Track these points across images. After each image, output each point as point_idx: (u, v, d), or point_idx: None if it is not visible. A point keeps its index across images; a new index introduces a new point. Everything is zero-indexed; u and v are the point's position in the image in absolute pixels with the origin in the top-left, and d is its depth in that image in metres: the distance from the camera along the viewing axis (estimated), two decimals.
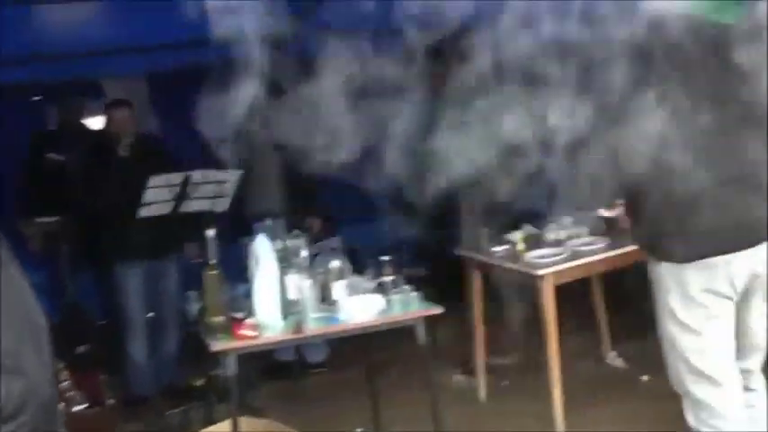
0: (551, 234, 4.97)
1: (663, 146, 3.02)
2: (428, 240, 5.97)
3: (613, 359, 5.71)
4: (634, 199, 3.31)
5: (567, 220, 5.04)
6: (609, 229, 4.86)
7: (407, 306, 4.24)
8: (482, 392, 5.41)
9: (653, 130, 2.99)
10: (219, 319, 4.06)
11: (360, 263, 4.88)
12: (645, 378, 5.27)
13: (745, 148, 3.11)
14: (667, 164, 3.03)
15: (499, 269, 4.86)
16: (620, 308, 5.87)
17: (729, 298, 3.17)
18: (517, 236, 4.94)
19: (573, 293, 4.64)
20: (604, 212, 4.81)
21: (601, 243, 4.64)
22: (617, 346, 5.81)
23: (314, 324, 4.09)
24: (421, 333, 4.22)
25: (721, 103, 3.04)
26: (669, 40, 3.02)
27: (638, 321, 6.21)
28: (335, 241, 6.41)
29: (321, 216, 6.26)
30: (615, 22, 3.01)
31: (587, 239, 4.78)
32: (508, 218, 7.80)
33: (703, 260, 3.10)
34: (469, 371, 5.62)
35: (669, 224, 3.13)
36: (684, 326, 3.18)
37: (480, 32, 3.22)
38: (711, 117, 3.01)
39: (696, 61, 3.02)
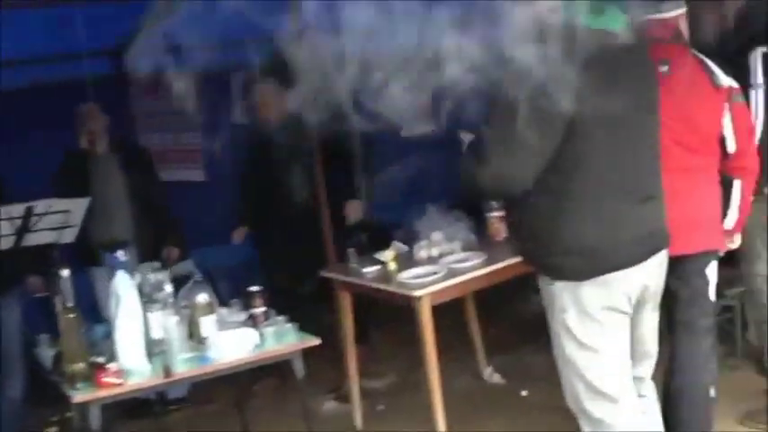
0: (423, 251, 4.81)
1: (556, 159, 2.92)
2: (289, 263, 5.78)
3: (491, 375, 5.61)
4: (522, 215, 3.17)
5: (438, 235, 4.89)
6: (482, 243, 4.76)
7: (282, 339, 4.00)
8: (358, 418, 5.19)
9: (541, 142, 2.88)
10: (79, 366, 3.71)
11: (217, 288, 4.65)
12: (524, 393, 5.20)
13: (636, 159, 3.07)
14: (560, 177, 2.95)
15: (371, 291, 4.65)
16: (491, 321, 5.79)
17: (626, 313, 3.12)
18: (387, 255, 4.73)
19: (444, 308, 4.47)
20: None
21: (476, 258, 4.49)
22: (492, 360, 5.71)
23: (183, 365, 3.79)
24: (298, 367, 3.99)
25: (615, 117, 2.93)
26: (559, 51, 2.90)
27: (511, 334, 6.25)
28: (189, 264, 6.12)
29: (177, 242, 5.91)
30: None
31: (461, 255, 4.64)
32: (376, 234, 7.73)
33: (601, 276, 3.01)
34: (343, 396, 5.41)
35: (564, 241, 3.01)
36: (582, 344, 3.09)
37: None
38: (603, 130, 2.92)
39: (589, 71, 2.90)
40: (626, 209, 3.01)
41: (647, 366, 3.38)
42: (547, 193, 2.98)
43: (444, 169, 8.83)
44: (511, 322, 6.42)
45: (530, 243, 3.18)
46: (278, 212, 5.80)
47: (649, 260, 3.09)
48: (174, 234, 5.92)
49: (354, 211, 5.95)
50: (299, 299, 5.52)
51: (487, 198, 3.64)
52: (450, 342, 4.96)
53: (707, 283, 3.73)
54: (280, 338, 3.99)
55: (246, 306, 4.27)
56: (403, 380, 5.75)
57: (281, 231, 5.81)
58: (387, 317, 5.54)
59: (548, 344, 5.67)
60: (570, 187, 2.96)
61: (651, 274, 3.15)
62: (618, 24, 2.97)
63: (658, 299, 3.29)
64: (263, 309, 4.17)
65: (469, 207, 6.52)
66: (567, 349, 3.13)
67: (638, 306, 3.17)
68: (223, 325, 4.14)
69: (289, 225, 5.73)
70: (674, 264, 3.34)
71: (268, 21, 5.73)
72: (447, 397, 4.43)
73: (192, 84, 7.36)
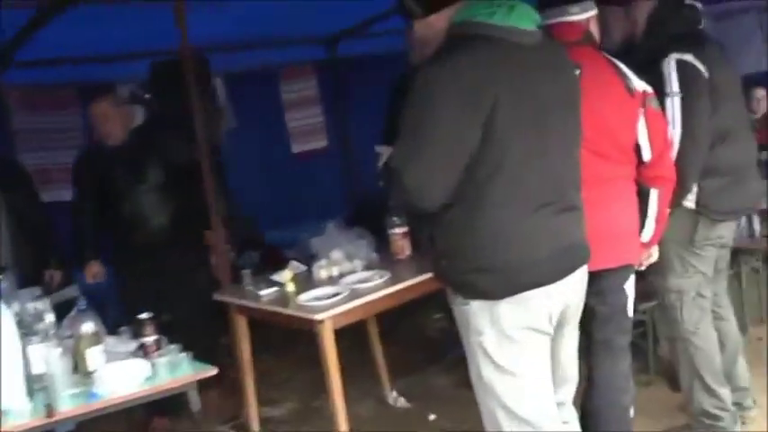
0: (322, 271, 4.59)
1: (470, 168, 2.75)
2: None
3: (396, 399, 5.42)
4: (434, 230, 2.96)
5: (338, 254, 4.69)
6: (385, 261, 4.59)
7: (176, 370, 3.72)
8: None
9: (456, 148, 2.74)
10: None
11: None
12: (432, 417, 5.03)
13: (555, 167, 2.90)
14: (474, 188, 2.78)
15: (268, 314, 4.40)
16: (392, 339, 5.62)
17: (547, 333, 2.96)
18: (284, 276, 4.50)
19: (343, 327, 4.27)
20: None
21: (379, 278, 4.29)
22: (395, 383, 5.53)
23: (68, 403, 3.47)
24: (194, 399, 3.73)
25: (533, 122, 2.81)
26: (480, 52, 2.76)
27: (413, 353, 6.10)
28: (74, 290, 5.79)
29: (60, 265, 5.57)
30: None
31: (363, 275, 4.43)
32: (268, 252, 7.49)
33: (519, 294, 2.84)
34: (240, 425, 5.15)
35: (478, 257, 2.83)
36: (500, 367, 2.91)
37: None
38: (519, 134, 2.77)
39: (503, 71, 2.76)
40: (544, 221, 2.84)
41: (568, 391, 3.24)
42: (460, 206, 2.81)
43: (339, 183, 8.89)
44: (412, 340, 6.28)
45: (442, 259, 2.97)
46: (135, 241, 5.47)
47: (570, 276, 2.94)
48: (56, 257, 5.58)
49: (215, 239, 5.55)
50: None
51: (413, 214, 3.41)
52: (350, 364, 4.77)
53: (626, 299, 3.61)
54: (173, 370, 3.71)
55: (136, 334, 3.99)
56: (305, 406, 5.53)
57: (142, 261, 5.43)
58: (282, 338, 5.29)
59: (453, 364, 5.60)
60: (484, 198, 2.78)
61: (572, 291, 3.00)
62: (529, 23, 2.85)
63: (578, 317, 3.15)
64: (154, 337, 3.89)
65: (365, 221, 6.39)
66: (485, 372, 2.94)
67: (559, 326, 3.02)
68: (111, 356, 3.85)
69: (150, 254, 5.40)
70: (592, 279, 3.17)
71: (154, 35, 5.51)
72: (351, 424, 4.21)
73: (74, 98, 7.05)
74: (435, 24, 2.97)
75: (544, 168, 2.84)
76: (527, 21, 2.84)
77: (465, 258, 2.86)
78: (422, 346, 6.15)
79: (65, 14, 5.12)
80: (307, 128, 8.82)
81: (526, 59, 2.81)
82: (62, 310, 4.20)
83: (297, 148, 8.78)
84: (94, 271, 5.46)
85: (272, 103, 8.57)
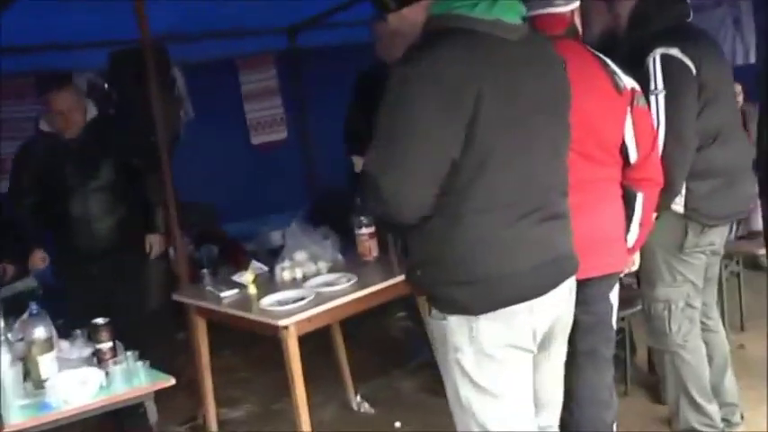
0: (285, 273, 4.43)
1: (452, 174, 2.56)
2: None
3: (360, 404, 5.27)
4: (411, 238, 2.77)
5: (302, 255, 4.53)
6: (350, 263, 4.44)
7: (132, 379, 3.56)
8: None
9: (436, 152, 2.54)
10: None
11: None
12: (398, 424, 4.88)
13: (541, 170, 2.71)
14: (454, 194, 2.58)
15: (229, 318, 4.23)
16: (355, 341, 5.47)
17: (530, 351, 2.75)
18: (246, 277, 4.34)
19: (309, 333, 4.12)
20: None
21: (346, 281, 4.13)
22: (359, 387, 5.37)
23: (19, 415, 3.31)
24: (151, 410, 3.58)
25: (519, 122, 2.62)
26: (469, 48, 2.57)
27: (377, 356, 5.97)
28: (31, 281, 5.60)
29: (12, 258, 5.35)
30: None
31: (329, 277, 4.28)
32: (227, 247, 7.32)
33: (501, 309, 2.63)
34: (197, 427, 5.00)
35: (457, 268, 2.63)
36: (479, 387, 2.71)
37: None
38: (502, 136, 2.58)
39: (485, 67, 2.56)
40: (528, 230, 2.64)
41: (553, 414, 3.05)
42: (439, 214, 2.60)
43: (298, 176, 8.75)
44: (376, 341, 6.14)
45: (417, 269, 2.76)
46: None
47: (557, 289, 2.74)
48: (8, 247, 5.36)
49: (157, 244, 5.36)
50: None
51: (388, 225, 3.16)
52: (313, 368, 4.62)
53: (610, 309, 3.43)
54: (130, 379, 3.56)
55: (90, 338, 3.82)
56: (265, 409, 5.38)
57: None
58: (242, 335, 5.12)
59: (417, 367, 5.48)
60: (464, 205, 2.58)
61: (560, 304, 2.80)
62: (514, 15, 2.65)
63: (566, 334, 2.96)
64: (109, 344, 3.72)
65: (325, 215, 6.23)
66: (462, 392, 2.74)
67: (544, 343, 2.82)
68: (64, 363, 3.69)
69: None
70: (576, 287, 2.96)
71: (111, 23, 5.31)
72: (314, 429, 4.06)
73: (31, 87, 6.80)
74: (410, 17, 2.79)
75: (529, 172, 2.65)
76: (512, 13, 2.65)
77: (442, 270, 2.67)
78: (386, 348, 6.02)
79: (21, 2, 4.89)
80: (266, 119, 8.70)
81: (511, 55, 2.61)
82: (18, 303, 4.08)
83: (256, 139, 8.67)
84: (40, 256, 5.15)
85: (230, 94, 8.43)
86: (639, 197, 3.44)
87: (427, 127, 2.51)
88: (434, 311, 2.79)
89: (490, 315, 2.65)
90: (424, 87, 2.51)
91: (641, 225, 3.48)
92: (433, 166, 2.55)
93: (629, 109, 3.36)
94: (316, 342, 4.69)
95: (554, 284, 2.74)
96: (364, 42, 4.80)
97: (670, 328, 3.96)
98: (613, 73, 3.35)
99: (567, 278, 2.82)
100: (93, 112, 5.11)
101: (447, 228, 2.62)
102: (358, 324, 4.83)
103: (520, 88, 2.62)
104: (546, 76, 2.76)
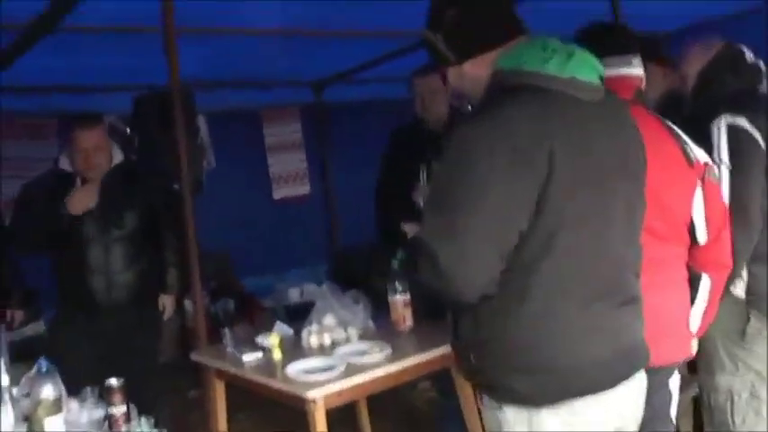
0: (313, 338, 4.12)
1: (519, 247, 2.28)
2: None
3: None
4: (463, 317, 2.48)
5: (330, 319, 4.23)
6: (382, 331, 4.14)
7: None
8: None
9: (505, 225, 2.26)
10: None
11: None
12: None
13: (618, 246, 2.44)
14: (518, 270, 2.30)
15: (252, 384, 3.92)
16: (379, 412, 5.15)
17: None
18: (271, 340, 4.04)
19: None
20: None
21: (379, 352, 3.81)
22: None
23: None
24: None
25: (594, 189, 2.36)
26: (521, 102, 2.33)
27: (400, 427, 5.65)
28: (40, 326, 5.38)
29: (21, 301, 5.09)
30: None
31: (360, 346, 3.96)
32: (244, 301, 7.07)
33: (567, 401, 2.35)
34: None
35: (518, 354, 2.35)
36: None
37: None
38: (577, 206, 2.31)
39: (559, 129, 2.31)
40: (603, 314, 2.37)
41: None
42: (500, 291, 2.32)
43: (320, 232, 8.56)
44: (400, 413, 5.82)
45: (471, 353, 2.47)
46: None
47: (628, 382, 2.45)
48: (17, 292, 5.09)
49: (170, 305, 5.09)
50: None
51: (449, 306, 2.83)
52: None
53: (670, 399, 3.11)
54: None
55: (102, 398, 3.53)
56: None
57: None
58: (259, 400, 4.82)
59: None
60: (530, 283, 2.29)
61: (631, 398, 2.50)
62: (590, 73, 2.41)
63: (636, 430, 2.63)
64: (123, 408, 3.42)
65: (348, 274, 5.98)
66: None
67: None
68: (72, 426, 3.39)
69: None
70: None
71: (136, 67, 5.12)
72: None
73: (55, 128, 6.60)
74: (471, 72, 2.55)
75: (605, 248, 2.39)
76: (588, 71, 2.41)
77: (501, 355, 2.39)
78: (411, 422, 5.69)
79: (46, 41, 4.68)
80: (289, 173, 8.56)
81: (585, 113, 2.37)
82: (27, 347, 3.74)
83: (278, 193, 8.51)
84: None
85: (254, 146, 8.33)
86: (706, 281, 3.14)
87: (495, 191, 2.24)
88: (487, 398, 2.51)
89: (553, 408, 2.36)
90: (493, 147, 2.25)
91: (705, 312, 3.17)
92: (501, 237, 2.26)
93: (699, 183, 3.07)
94: (339, 413, 4.39)
95: (625, 376, 2.45)
96: (390, 99, 4.61)
97: (733, 421, 3.64)
98: (684, 143, 3.08)
99: (639, 369, 2.53)
100: (118, 156, 4.83)
101: (509, 309, 2.34)
102: (381, 394, 4.53)
103: (594, 147, 2.37)
104: (620, 137, 2.50)
